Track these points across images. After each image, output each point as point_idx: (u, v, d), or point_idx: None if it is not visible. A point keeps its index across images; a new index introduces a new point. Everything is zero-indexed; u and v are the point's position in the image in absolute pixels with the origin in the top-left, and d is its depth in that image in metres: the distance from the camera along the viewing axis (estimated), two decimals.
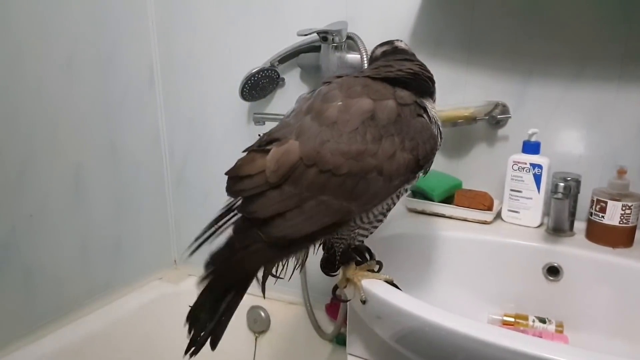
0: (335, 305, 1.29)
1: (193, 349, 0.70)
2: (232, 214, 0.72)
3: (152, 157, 1.50)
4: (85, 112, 1.27)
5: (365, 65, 1.03)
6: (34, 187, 1.18)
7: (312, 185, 0.62)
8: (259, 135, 0.69)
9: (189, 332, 0.70)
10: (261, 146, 0.67)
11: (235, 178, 0.67)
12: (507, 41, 1.00)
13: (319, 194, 0.62)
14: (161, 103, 1.48)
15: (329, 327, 1.33)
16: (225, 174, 0.69)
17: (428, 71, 0.75)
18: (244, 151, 0.69)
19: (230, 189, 0.67)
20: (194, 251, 0.71)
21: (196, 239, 0.72)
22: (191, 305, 0.71)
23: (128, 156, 1.41)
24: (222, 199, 1.49)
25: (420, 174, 0.70)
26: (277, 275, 0.71)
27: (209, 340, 0.69)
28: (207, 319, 0.69)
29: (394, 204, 0.71)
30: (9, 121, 1.11)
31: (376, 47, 0.82)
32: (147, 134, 1.47)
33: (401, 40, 0.81)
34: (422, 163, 0.67)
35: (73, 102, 1.24)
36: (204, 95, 1.41)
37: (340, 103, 0.65)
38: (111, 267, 1.41)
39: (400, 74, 0.70)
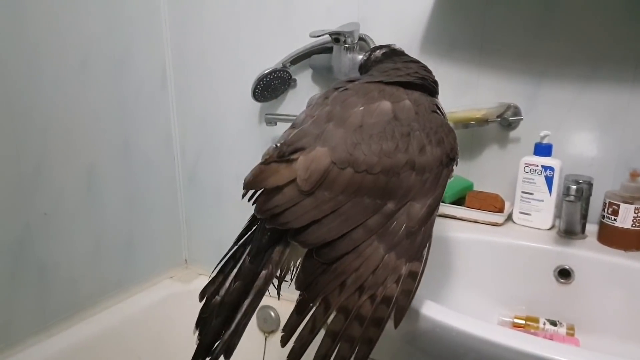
0: None
1: (209, 358, 0.69)
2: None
3: (164, 156, 1.51)
4: (99, 112, 1.29)
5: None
6: (49, 186, 1.19)
7: (347, 188, 0.62)
8: (276, 145, 0.68)
9: (199, 338, 0.70)
10: (284, 156, 0.65)
11: (264, 195, 0.64)
12: (520, 43, 1.00)
13: (354, 196, 0.62)
14: (173, 103, 1.49)
15: None
16: (247, 186, 0.66)
17: (431, 73, 0.78)
18: (262, 163, 0.67)
19: (262, 210, 0.64)
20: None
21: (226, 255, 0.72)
22: (201, 311, 0.70)
23: (140, 156, 1.43)
24: (233, 199, 1.51)
25: (454, 166, 0.70)
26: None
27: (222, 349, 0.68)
28: (220, 326, 0.68)
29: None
30: (24, 121, 1.12)
31: (374, 49, 0.86)
32: (159, 133, 1.48)
33: (395, 45, 0.86)
34: (452, 155, 0.69)
35: (87, 103, 1.26)
36: (216, 96, 1.42)
37: (361, 108, 0.67)
38: (123, 265, 1.43)
39: (410, 78, 0.73)
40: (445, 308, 0.67)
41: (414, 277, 0.63)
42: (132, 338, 1.38)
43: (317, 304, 0.61)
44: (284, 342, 0.62)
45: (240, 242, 0.71)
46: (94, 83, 1.27)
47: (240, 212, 1.44)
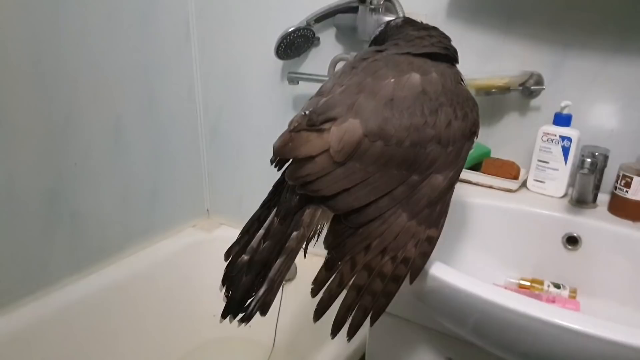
0: None
1: (243, 315, 0.71)
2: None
3: (187, 110, 1.55)
4: (124, 65, 1.32)
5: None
6: (78, 137, 1.24)
7: (377, 160, 0.65)
8: (304, 113, 0.69)
9: (227, 294, 0.72)
10: (314, 125, 0.67)
11: (296, 163, 0.66)
12: (548, 10, 0.99)
13: (383, 167, 0.65)
14: (196, 57, 1.51)
15: None
16: (278, 154, 0.68)
17: (450, 40, 0.79)
18: (292, 131, 0.68)
19: (294, 177, 0.66)
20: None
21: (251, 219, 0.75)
22: (226, 270, 0.73)
23: (164, 109, 1.46)
24: (254, 153, 1.56)
25: (475, 139, 0.73)
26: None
27: (258, 306, 0.70)
28: (251, 284, 0.70)
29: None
30: (54, 74, 1.16)
31: (385, 24, 0.84)
32: (182, 87, 1.51)
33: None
34: (474, 129, 0.72)
35: (113, 56, 1.28)
36: (239, 52, 1.43)
37: (392, 80, 0.68)
38: (148, 214, 1.50)
39: (435, 49, 0.75)
40: (452, 269, 0.72)
41: (431, 242, 0.69)
42: (158, 282, 1.47)
43: (345, 262, 0.67)
44: (314, 294, 0.68)
45: (265, 206, 0.74)
46: (120, 36, 1.29)
47: (259, 166, 1.51)
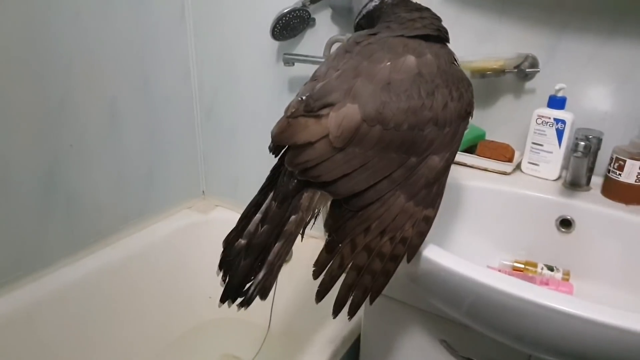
0: None
1: (242, 299, 0.72)
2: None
3: (183, 91, 1.53)
4: (119, 46, 1.30)
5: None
6: (73, 119, 1.23)
7: (376, 144, 0.66)
8: (301, 98, 0.68)
9: (225, 279, 0.73)
10: (312, 111, 0.67)
11: (295, 149, 0.66)
12: None
13: (382, 151, 0.66)
14: (191, 38, 1.49)
15: None
16: (276, 141, 0.69)
17: (441, 21, 0.79)
18: (289, 117, 0.68)
19: (293, 163, 0.67)
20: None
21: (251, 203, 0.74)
22: (223, 254, 0.73)
23: (160, 90, 1.45)
24: (249, 134, 1.55)
25: (470, 119, 0.74)
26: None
27: (257, 290, 0.71)
28: (249, 268, 0.71)
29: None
30: (49, 56, 1.15)
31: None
32: (177, 68, 1.49)
33: None
34: (469, 110, 0.73)
35: (108, 37, 1.27)
36: (234, 32, 1.42)
37: (388, 64, 0.68)
38: (144, 195, 1.50)
39: (427, 31, 0.75)
40: (446, 252, 0.72)
41: (428, 221, 0.70)
42: (153, 263, 1.48)
43: (345, 245, 0.68)
44: (315, 276, 0.69)
45: (262, 192, 0.74)
46: (115, 15, 1.27)
47: (255, 147, 1.50)
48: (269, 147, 0.71)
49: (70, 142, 1.24)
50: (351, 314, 0.70)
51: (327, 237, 0.69)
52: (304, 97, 0.68)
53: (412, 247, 0.70)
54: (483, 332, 0.77)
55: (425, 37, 0.74)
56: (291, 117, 0.68)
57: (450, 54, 0.75)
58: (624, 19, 0.93)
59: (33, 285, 1.22)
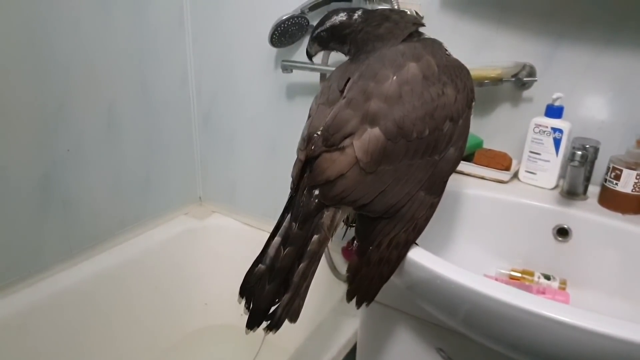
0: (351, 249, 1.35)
1: (269, 322, 0.71)
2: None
3: (180, 97, 1.54)
4: (118, 52, 1.30)
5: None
6: (71, 124, 1.24)
7: (404, 156, 0.68)
8: (316, 134, 0.69)
9: (248, 306, 0.71)
10: (334, 145, 0.67)
11: (326, 184, 0.67)
12: (541, 1, 0.99)
13: (409, 159, 0.68)
14: (190, 44, 1.50)
15: (344, 268, 1.41)
16: (313, 184, 0.69)
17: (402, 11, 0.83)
18: (313, 157, 0.69)
19: (329, 197, 0.67)
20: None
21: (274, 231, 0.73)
22: (244, 281, 0.71)
23: (158, 96, 1.45)
24: (247, 141, 1.55)
25: (473, 105, 0.76)
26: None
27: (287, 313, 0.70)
28: (275, 291, 0.70)
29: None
30: (48, 61, 1.15)
31: (346, 14, 0.79)
32: (176, 74, 1.50)
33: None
34: (472, 96, 0.75)
35: (106, 42, 1.27)
36: (233, 39, 1.42)
37: (394, 78, 0.69)
38: (141, 201, 1.49)
39: (412, 29, 0.77)
40: (442, 260, 0.72)
41: (433, 207, 0.74)
42: (149, 269, 1.47)
43: (375, 246, 0.71)
44: (351, 281, 0.72)
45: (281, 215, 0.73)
46: (114, 21, 1.27)
47: (252, 153, 1.50)
48: (291, 188, 0.72)
49: (67, 147, 1.24)
50: (369, 302, 0.74)
51: (355, 242, 0.72)
52: (318, 133, 0.69)
53: (419, 230, 0.73)
54: (479, 340, 0.76)
55: (409, 35, 0.76)
56: (313, 156, 0.69)
57: (440, 44, 0.77)
58: (620, 29, 0.94)
59: (29, 290, 1.21)
